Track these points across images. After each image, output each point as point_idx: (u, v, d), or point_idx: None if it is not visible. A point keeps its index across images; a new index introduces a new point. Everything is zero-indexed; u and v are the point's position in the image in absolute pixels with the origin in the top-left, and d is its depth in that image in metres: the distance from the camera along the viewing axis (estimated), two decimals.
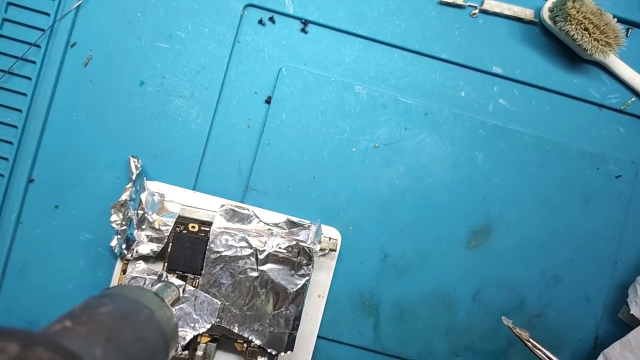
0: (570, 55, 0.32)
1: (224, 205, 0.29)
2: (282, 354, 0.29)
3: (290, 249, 0.28)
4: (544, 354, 0.27)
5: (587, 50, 0.30)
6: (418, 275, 0.32)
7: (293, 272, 0.29)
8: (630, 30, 0.33)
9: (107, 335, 0.15)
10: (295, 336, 0.29)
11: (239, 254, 0.28)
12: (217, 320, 0.28)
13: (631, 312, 0.30)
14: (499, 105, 0.32)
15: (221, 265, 0.28)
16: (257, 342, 0.29)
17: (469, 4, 0.32)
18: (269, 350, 0.29)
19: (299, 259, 0.28)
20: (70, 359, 0.12)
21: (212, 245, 0.28)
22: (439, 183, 0.32)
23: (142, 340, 0.17)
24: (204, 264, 0.28)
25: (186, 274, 0.29)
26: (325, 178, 0.31)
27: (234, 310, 0.29)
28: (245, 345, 0.29)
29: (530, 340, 0.27)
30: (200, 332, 0.28)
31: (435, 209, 0.32)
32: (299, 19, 0.32)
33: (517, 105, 0.33)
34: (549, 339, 0.32)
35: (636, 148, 0.33)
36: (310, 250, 0.28)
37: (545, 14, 0.31)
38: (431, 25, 0.32)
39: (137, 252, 0.28)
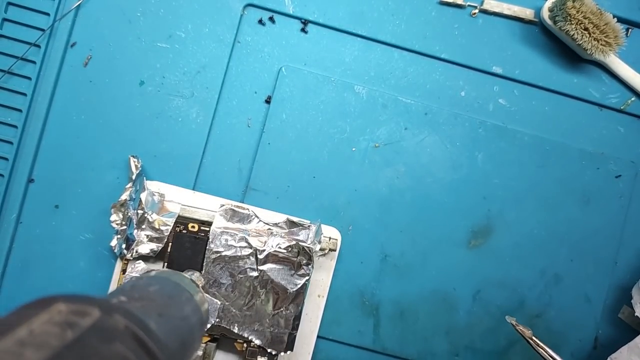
0: (570, 55, 0.32)
1: (223, 205, 0.29)
2: (282, 354, 0.29)
3: (290, 249, 0.28)
4: (547, 352, 0.27)
5: (587, 50, 0.30)
6: (418, 275, 0.32)
7: (293, 272, 0.29)
8: (630, 30, 0.33)
9: (158, 311, 0.16)
10: (295, 336, 0.29)
11: (239, 254, 0.28)
12: (217, 320, 0.28)
13: (636, 313, 0.30)
14: (499, 105, 0.32)
15: (221, 265, 0.28)
16: (257, 342, 0.29)
17: (469, 4, 0.32)
18: (269, 350, 0.29)
19: (299, 258, 0.28)
20: (142, 328, 0.13)
21: (212, 245, 0.28)
22: (439, 183, 0.32)
23: (185, 319, 0.18)
24: (204, 263, 0.28)
25: None
26: (325, 178, 0.31)
27: (234, 310, 0.29)
28: (245, 345, 0.29)
29: (533, 338, 0.27)
30: None
31: (435, 209, 0.32)
32: (299, 18, 0.32)
33: (517, 105, 0.33)
34: (549, 339, 0.32)
35: (636, 148, 0.33)
36: (310, 250, 0.28)
37: (545, 14, 0.31)
38: (431, 25, 0.32)
39: (137, 252, 0.28)
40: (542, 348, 0.27)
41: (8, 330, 0.10)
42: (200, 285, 0.27)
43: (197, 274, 0.27)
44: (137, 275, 0.28)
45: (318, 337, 0.31)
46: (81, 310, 0.12)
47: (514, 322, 0.28)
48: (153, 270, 0.27)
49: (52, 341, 0.10)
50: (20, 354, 0.10)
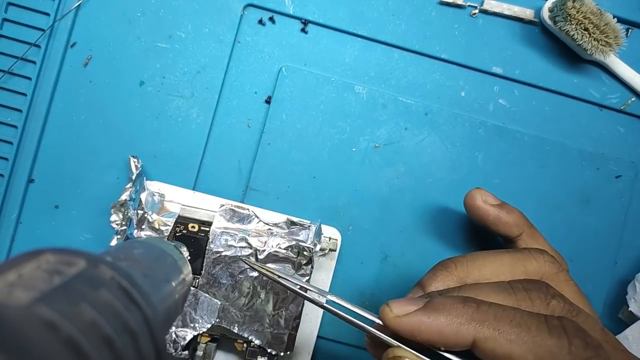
0: (570, 55, 0.32)
1: (223, 205, 0.29)
2: (282, 354, 0.29)
3: (290, 249, 0.28)
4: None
5: (587, 50, 0.30)
6: (418, 276, 0.32)
7: (293, 272, 0.29)
8: (630, 30, 0.33)
9: (143, 272, 0.17)
10: (295, 336, 0.29)
11: (239, 254, 0.28)
12: (217, 320, 0.28)
13: (630, 309, 0.30)
14: (499, 105, 0.32)
15: (221, 265, 0.28)
16: (257, 342, 0.29)
17: (469, 4, 0.32)
18: (269, 350, 0.29)
19: (298, 259, 0.28)
20: (128, 279, 0.14)
21: (212, 246, 0.28)
22: (439, 183, 0.32)
23: (168, 282, 0.19)
24: (204, 264, 0.28)
25: None
26: (325, 178, 0.31)
27: (234, 311, 0.29)
28: (245, 345, 0.29)
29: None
30: (200, 332, 0.28)
31: (435, 209, 0.32)
32: (299, 19, 0.32)
33: (517, 105, 0.33)
34: None
35: (636, 148, 0.33)
36: (310, 250, 0.28)
37: (545, 14, 0.31)
38: (431, 25, 0.32)
39: None
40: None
41: None
42: (185, 254, 0.28)
43: (183, 246, 0.28)
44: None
45: (318, 337, 0.31)
46: (68, 260, 0.13)
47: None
48: (140, 237, 0.27)
49: (40, 285, 0.11)
50: (10, 292, 0.10)
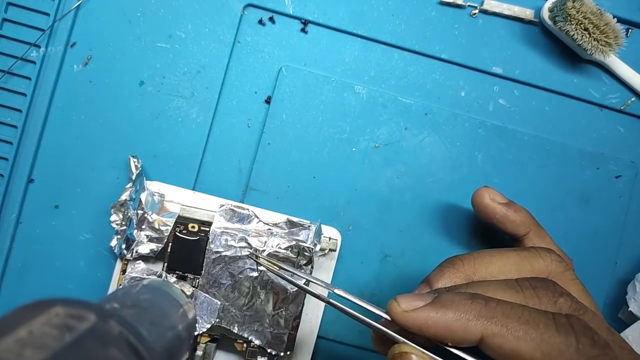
0: (570, 55, 0.32)
1: (223, 205, 0.29)
2: (282, 353, 0.29)
3: (290, 249, 0.28)
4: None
5: (587, 50, 0.30)
6: (419, 275, 0.32)
7: (291, 274, 0.29)
8: (630, 30, 0.33)
9: (149, 320, 0.17)
10: (295, 336, 0.29)
11: (239, 254, 0.28)
12: (217, 320, 0.28)
13: (629, 309, 0.30)
14: (499, 105, 0.32)
15: (221, 266, 0.28)
16: (257, 342, 0.29)
17: (469, 4, 0.32)
18: (269, 350, 0.29)
19: (298, 259, 0.28)
20: (135, 335, 0.14)
21: (212, 246, 0.28)
22: (439, 183, 0.32)
23: (174, 328, 0.19)
24: (204, 264, 0.28)
25: (186, 274, 0.29)
26: (325, 178, 0.31)
27: (234, 311, 0.29)
28: (245, 345, 0.29)
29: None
30: (200, 332, 0.28)
31: (435, 209, 0.32)
32: (299, 19, 0.32)
33: (517, 105, 0.33)
34: None
35: (636, 148, 0.33)
36: (310, 250, 0.28)
37: (545, 14, 0.31)
38: (431, 25, 0.32)
39: (136, 252, 0.28)
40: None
41: (9, 331, 0.11)
42: (189, 294, 0.28)
43: (186, 285, 0.28)
44: (134, 276, 0.28)
45: (318, 337, 0.31)
46: (78, 314, 0.13)
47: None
48: (145, 278, 0.28)
49: (51, 343, 0.11)
50: (20, 353, 0.10)
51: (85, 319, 0.13)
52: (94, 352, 0.12)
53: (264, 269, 0.28)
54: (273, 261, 0.25)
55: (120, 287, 0.29)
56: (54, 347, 0.11)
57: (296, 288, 0.28)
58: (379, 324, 0.21)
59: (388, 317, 0.20)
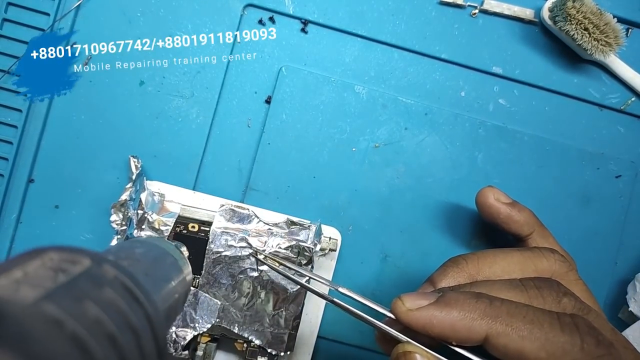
0: (570, 55, 0.32)
1: (223, 205, 0.29)
2: (282, 353, 0.29)
3: (290, 249, 0.28)
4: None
5: (587, 50, 0.30)
6: (419, 275, 0.32)
7: (293, 272, 0.29)
8: (630, 30, 0.33)
9: (144, 271, 0.17)
10: (295, 336, 0.29)
11: (239, 254, 0.28)
12: (217, 320, 0.28)
13: (630, 309, 0.30)
14: (499, 105, 0.32)
15: (221, 266, 0.28)
16: (257, 342, 0.29)
17: (469, 4, 0.32)
18: (269, 350, 0.29)
19: (298, 259, 0.28)
20: (130, 277, 0.14)
21: (212, 246, 0.28)
22: (439, 183, 0.32)
23: (168, 282, 0.19)
24: (204, 264, 0.28)
25: None
26: (325, 178, 0.31)
27: (234, 311, 0.29)
28: (245, 345, 0.29)
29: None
30: (200, 332, 0.28)
31: (435, 209, 0.32)
32: (299, 19, 0.32)
33: (517, 105, 0.33)
34: None
35: (636, 148, 0.33)
36: (310, 250, 0.28)
37: (545, 14, 0.31)
38: (431, 25, 0.32)
39: None
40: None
41: (4, 271, 0.11)
42: (185, 254, 0.28)
43: (183, 246, 0.28)
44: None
45: (318, 337, 0.31)
46: (72, 259, 0.13)
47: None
48: (139, 237, 0.28)
49: (46, 282, 0.11)
50: (16, 290, 0.11)
51: (79, 263, 0.13)
52: (88, 292, 0.12)
53: (264, 268, 0.28)
54: (276, 259, 0.25)
55: (117, 243, 0.29)
56: (48, 286, 0.11)
57: (296, 288, 0.28)
58: (382, 322, 0.21)
59: (392, 316, 0.20)
